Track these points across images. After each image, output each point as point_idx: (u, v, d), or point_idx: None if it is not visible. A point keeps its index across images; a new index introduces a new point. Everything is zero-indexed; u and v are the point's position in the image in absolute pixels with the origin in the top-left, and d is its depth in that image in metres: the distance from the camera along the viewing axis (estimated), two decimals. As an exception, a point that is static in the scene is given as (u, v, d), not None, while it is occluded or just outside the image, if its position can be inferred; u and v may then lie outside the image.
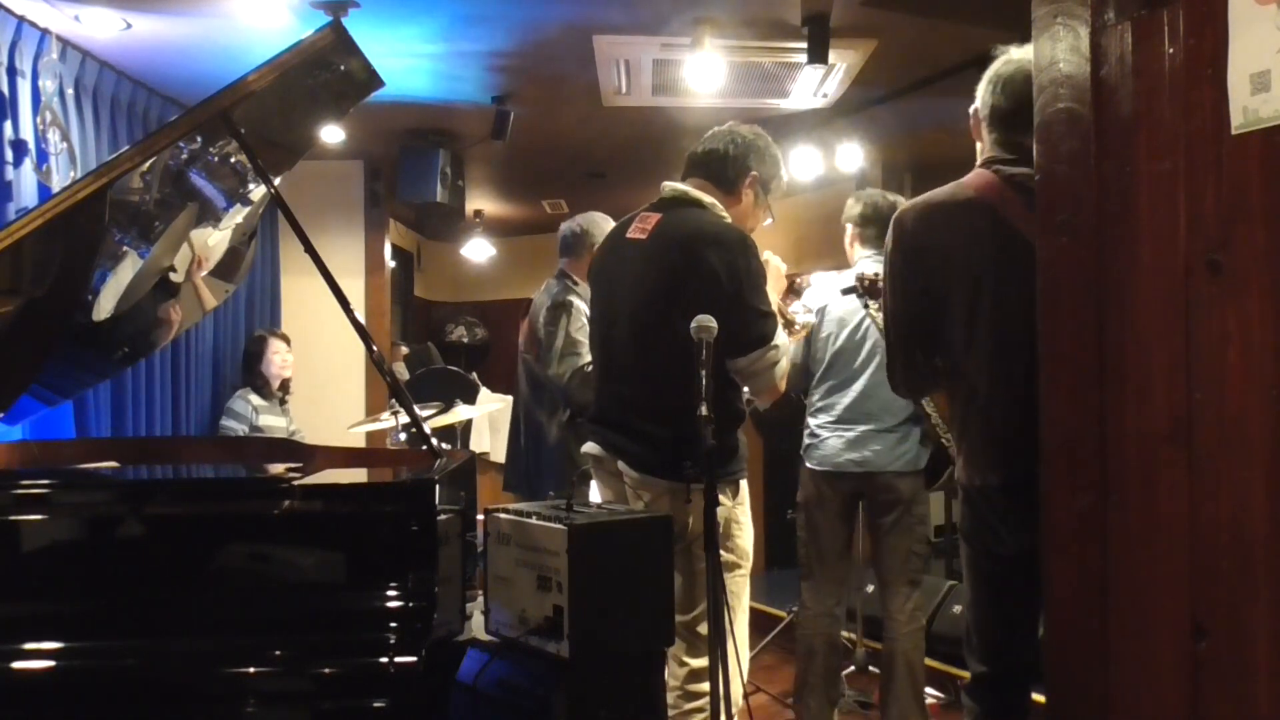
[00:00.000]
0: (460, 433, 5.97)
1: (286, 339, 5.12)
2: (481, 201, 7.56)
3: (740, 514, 2.68)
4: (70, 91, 3.86)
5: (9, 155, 3.53)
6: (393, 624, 1.92)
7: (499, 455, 5.65)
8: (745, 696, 2.66)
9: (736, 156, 2.72)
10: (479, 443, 6.66)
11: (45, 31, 3.71)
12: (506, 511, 2.28)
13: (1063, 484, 1.78)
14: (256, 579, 1.97)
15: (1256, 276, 1.50)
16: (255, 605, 1.94)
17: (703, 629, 2.52)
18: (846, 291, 3.04)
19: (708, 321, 2.25)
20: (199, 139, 2.53)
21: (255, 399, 4.93)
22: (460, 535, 2.14)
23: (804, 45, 4.01)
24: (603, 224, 3.89)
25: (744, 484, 2.70)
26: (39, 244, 2.22)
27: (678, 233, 2.61)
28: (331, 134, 5.15)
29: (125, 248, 2.69)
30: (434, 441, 2.38)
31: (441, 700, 2.08)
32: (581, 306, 3.66)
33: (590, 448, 2.75)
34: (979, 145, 2.27)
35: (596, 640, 2.09)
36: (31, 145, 3.60)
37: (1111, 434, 1.69)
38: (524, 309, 4.04)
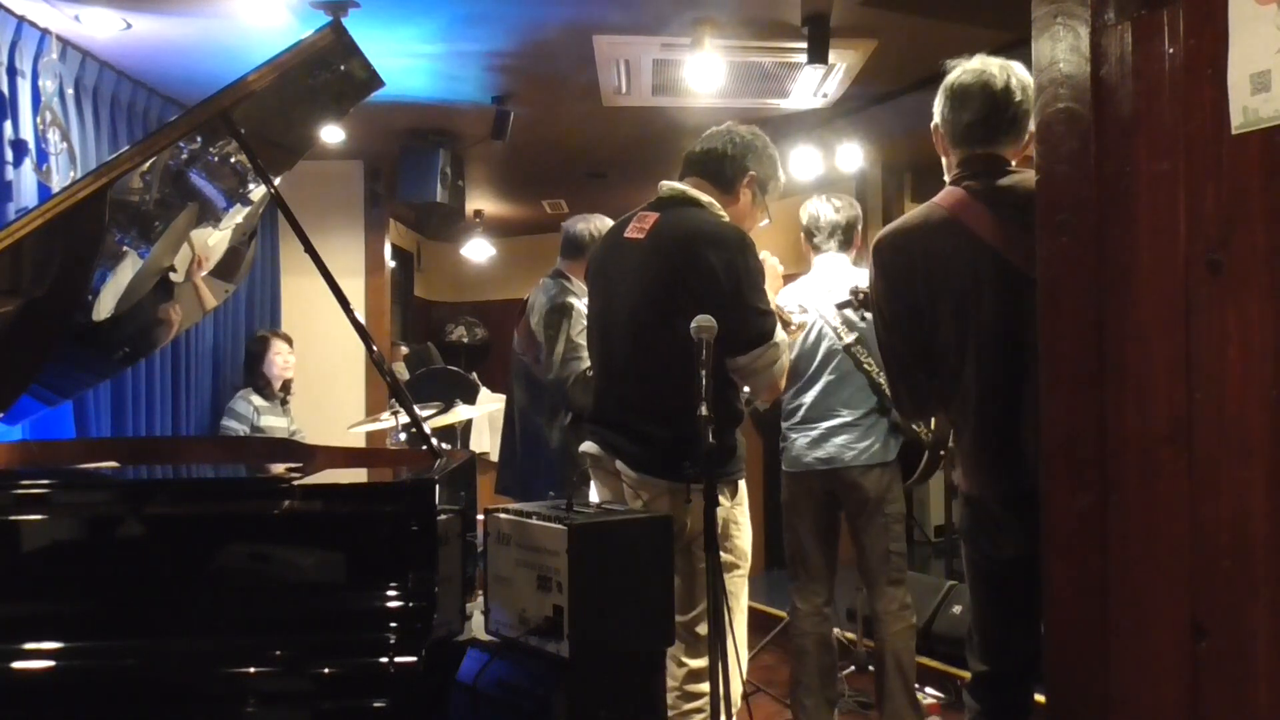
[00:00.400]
0: (460, 433, 5.97)
1: (288, 339, 5.12)
2: (481, 201, 7.56)
3: (739, 514, 2.68)
4: (70, 91, 3.86)
5: (9, 155, 3.53)
6: (393, 624, 1.92)
7: (499, 455, 5.64)
8: (745, 696, 2.66)
9: (734, 156, 2.72)
10: (479, 443, 6.66)
11: (45, 31, 3.72)
12: (506, 511, 2.28)
13: (1063, 484, 1.78)
14: (257, 579, 1.97)
15: (1256, 276, 1.50)
16: (255, 605, 1.94)
17: (702, 629, 2.52)
18: (842, 306, 3.06)
19: (707, 321, 2.25)
20: (199, 139, 2.53)
21: (257, 399, 4.93)
22: (460, 535, 2.14)
23: (804, 45, 4.01)
24: (600, 224, 3.88)
25: (743, 484, 2.70)
26: (39, 244, 2.22)
27: (676, 232, 2.61)
28: (331, 134, 5.15)
29: (125, 248, 2.69)
30: (434, 441, 2.38)
31: (441, 700, 2.08)
32: (581, 309, 3.64)
33: (588, 447, 2.74)
34: (945, 161, 2.29)
35: (596, 640, 2.09)
36: (31, 145, 3.60)
37: (1111, 434, 1.69)
38: (523, 309, 4.03)
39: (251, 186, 2.85)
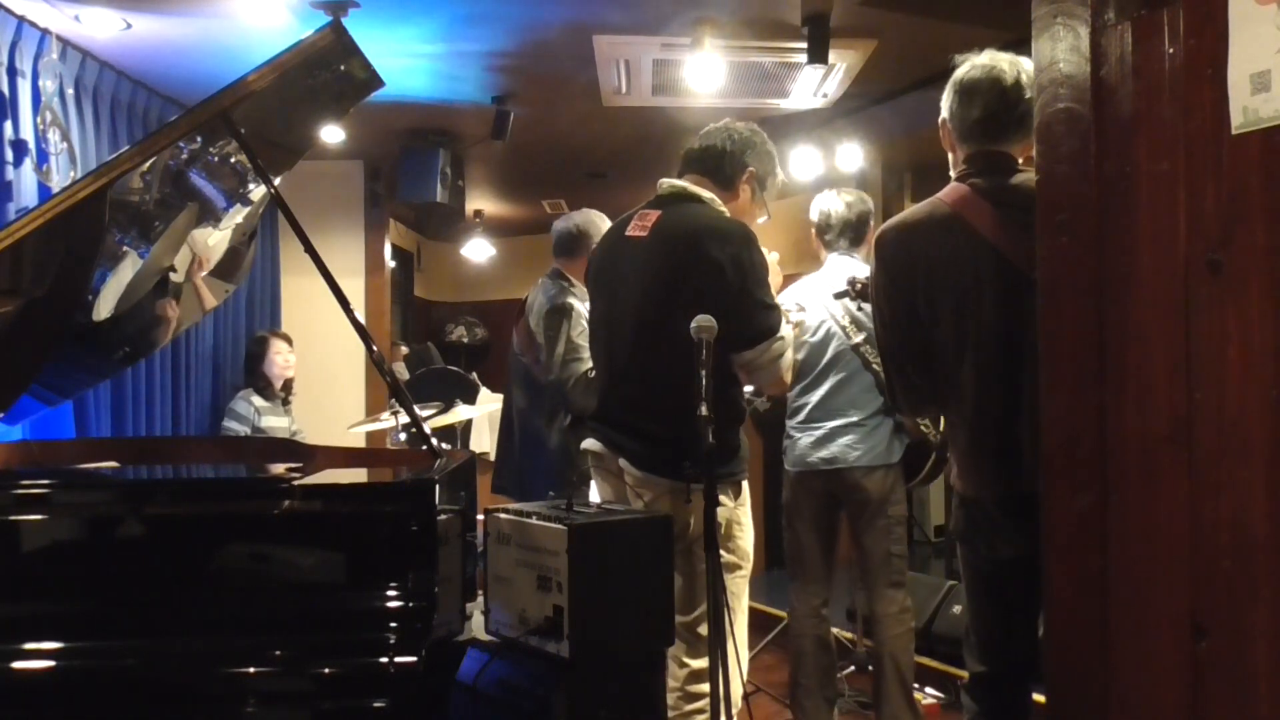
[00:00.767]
0: (460, 433, 5.97)
1: (288, 339, 5.12)
2: (481, 201, 7.56)
3: (742, 515, 2.67)
4: (70, 91, 3.86)
5: (9, 155, 3.53)
6: (393, 624, 1.91)
7: (495, 455, 5.65)
8: (745, 697, 2.66)
9: (734, 153, 2.72)
10: (479, 443, 6.66)
11: (45, 31, 3.72)
12: (506, 511, 2.28)
13: (1063, 484, 1.78)
14: (256, 579, 1.97)
15: (1256, 276, 1.50)
16: (255, 605, 1.94)
17: (703, 630, 2.52)
18: (839, 296, 3.05)
19: (707, 321, 2.25)
20: (199, 139, 2.53)
21: (258, 400, 4.93)
22: (460, 535, 2.14)
23: (804, 45, 4.01)
24: (600, 223, 3.87)
25: (745, 485, 2.70)
26: (39, 244, 2.22)
27: (680, 228, 2.60)
28: (331, 134, 5.15)
29: (125, 248, 2.69)
30: (434, 441, 2.38)
31: (441, 700, 2.08)
32: (581, 309, 3.63)
33: (591, 444, 2.73)
34: (951, 157, 2.27)
35: (596, 640, 2.09)
36: (31, 145, 3.60)
37: (1111, 434, 1.69)
38: (523, 309, 4.02)
39: (251, 186, 2.85)
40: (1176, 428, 1.60)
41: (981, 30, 3.69)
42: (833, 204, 3.57)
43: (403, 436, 4.38)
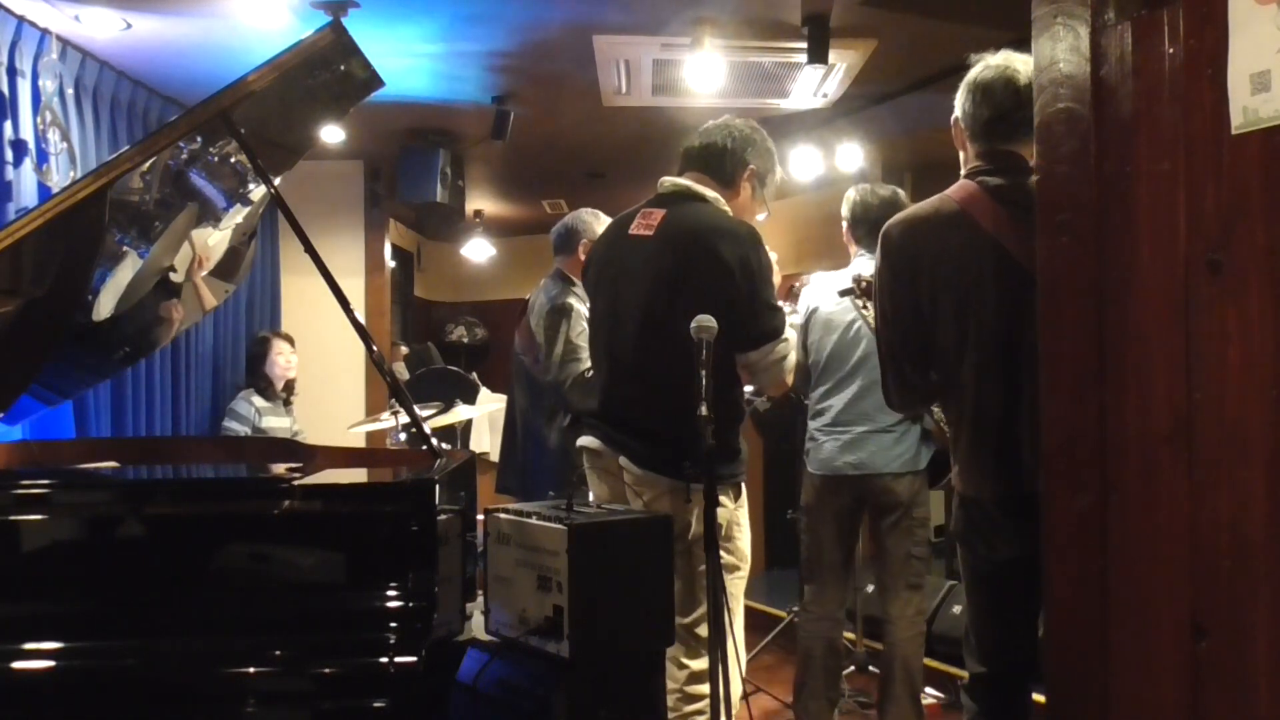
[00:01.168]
0: (460, 433, 5.97)
1: (290, 340, 5.12)
2: (481, 201, 7.55)
3: (741, 516, 2.68)
4: (70, 91, 3.86)
5: (9, 155, 3.53)
6: (393, 624, 1.91)
7: (499, 455, 5.65)
8: (744, 697, 2.66)
9: (734, 150, 2.72)
10: (479, 443, 6.66)
11: (45, 31, 3.71)
12: (506, 511, 2.28)
13: (1063, 484, 1.78)
14: (256, 579, 1.97)
15: (1256, 276, 1.50)
16: (255, 605, 1.94)
17: (701, 630, 2.52)
18: (844, 293, 3.04)
19: (708, 321, 2.25)
20: (199, 139, 2.53)
21: (258, 400, 4.93)
22: (460, 535, 2.14)
23: (804, 45, 4.01)
24: (589, 219, 3.89)
25: (744, 487, 2.70)
26: (39, 244, 2.22)
27: (687, 227, 2.60)
28: (331, 134, 5.14)
29: (125, 248, 2.69)
30: (434, 441, 2.37)
31: (441, 700, 2.08)
32: (581, 310, 3.63)
33: (588, 442, 2.72)
34: (962, 155, 2.27)
35: (596, 640, 2.09)
36: (31, 145, 3.60)
37: (1111, 434, 1.69)
38: (524, 309, 4.03)
39: (251, 186, 2.85)
40: (1176, 428, 1.60)
41: (981, 30, 3.70)
42: (867, 198, 3.48)
43: (403, 436, 4.38)
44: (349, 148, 5.69)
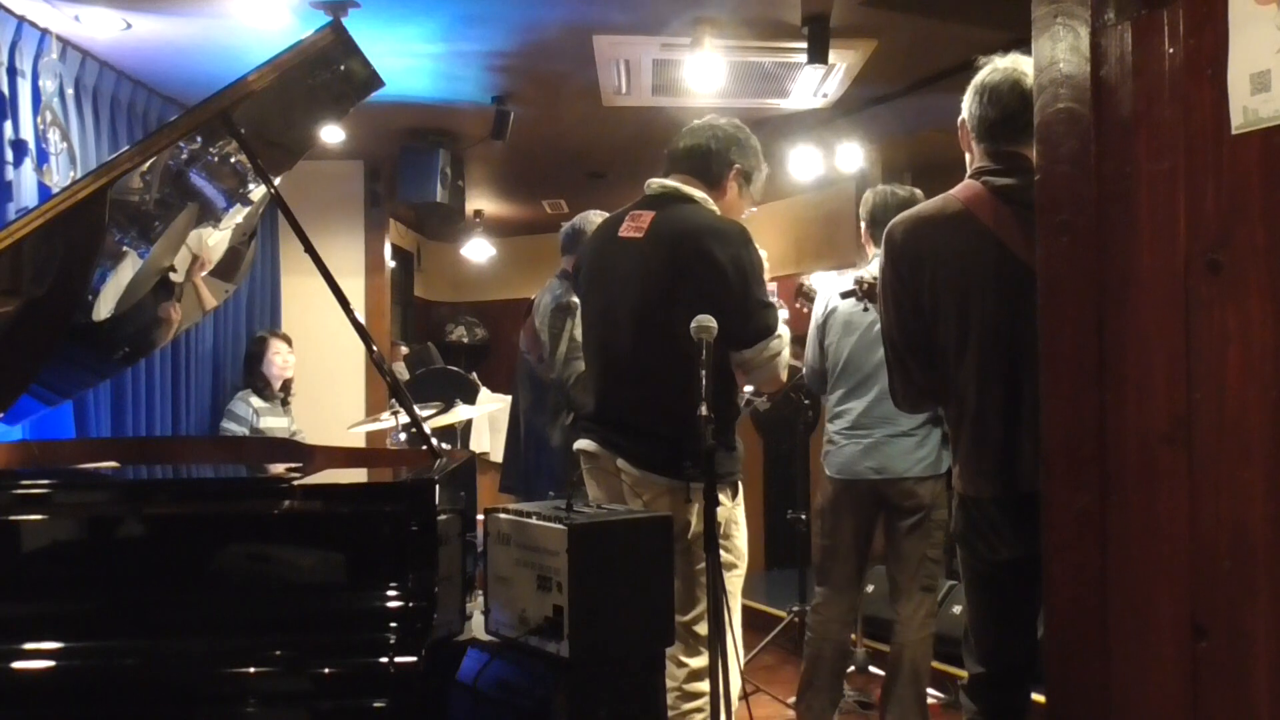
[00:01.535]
0: (460, 433, 5.97)
1: (288, 339, 5.12)
2: (481, 201, 7.56)
3: (738, 514, 2.69)
4: (70, 91, 3.86)
5: (9, 155, 3.53)
6: (393, 624, 1.92)
7: (499, 455, 5.65)
8: (744, 696, 2.66)
9: (719, 151, 2.73)
10: (479, 443, 6.66)
11: (45, 31, 3.71)
12: (506, 511, 2.28)
13: (1063, 484, 1.78)
14: (256, 579, 1.97)
15: (1256, 276, 1.50)
16: (255, 605, 1.94)
17: (701, 629, 2.53)
18: (846, 295, 3.03)
19: (708, 321, 2.26)
20: (199, 139, 2.53)
21: (256, 400, 4.93)
22: (460, 535, 2.14)
23: (804, 45, 4.01)
24: (596, 219, 3.90)
25: (740, 485, 2.71)
26: (39, 244, 2.22)
27: (678, 228, 2.61)
28: (331, 134, 5.15)
29: (125, 248, 2.69)
30: (434, 441, 2.38)
31: (441, 700, 2.08)
32: None
33: (586, 445, 2.74)
34: (968, 156, 2.28)
35: (596, 640, 2.09)
36: (31, 145, 3.60)
37: (1111, 434, 1.69)
38: (524, 309, 4.04)
39: (251, 186, 2.85)
40: (1176, 428, 1.60)
41: (981, 30, 3.70)
42: (886, 199, 3.43)
43: (403, 436, 4.38)
44: (349, 148, 5.69)
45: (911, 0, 3.79)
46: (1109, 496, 1.70)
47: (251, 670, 1.88)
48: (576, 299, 3.74)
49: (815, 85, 4.58)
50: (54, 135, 3.69)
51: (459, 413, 4.70)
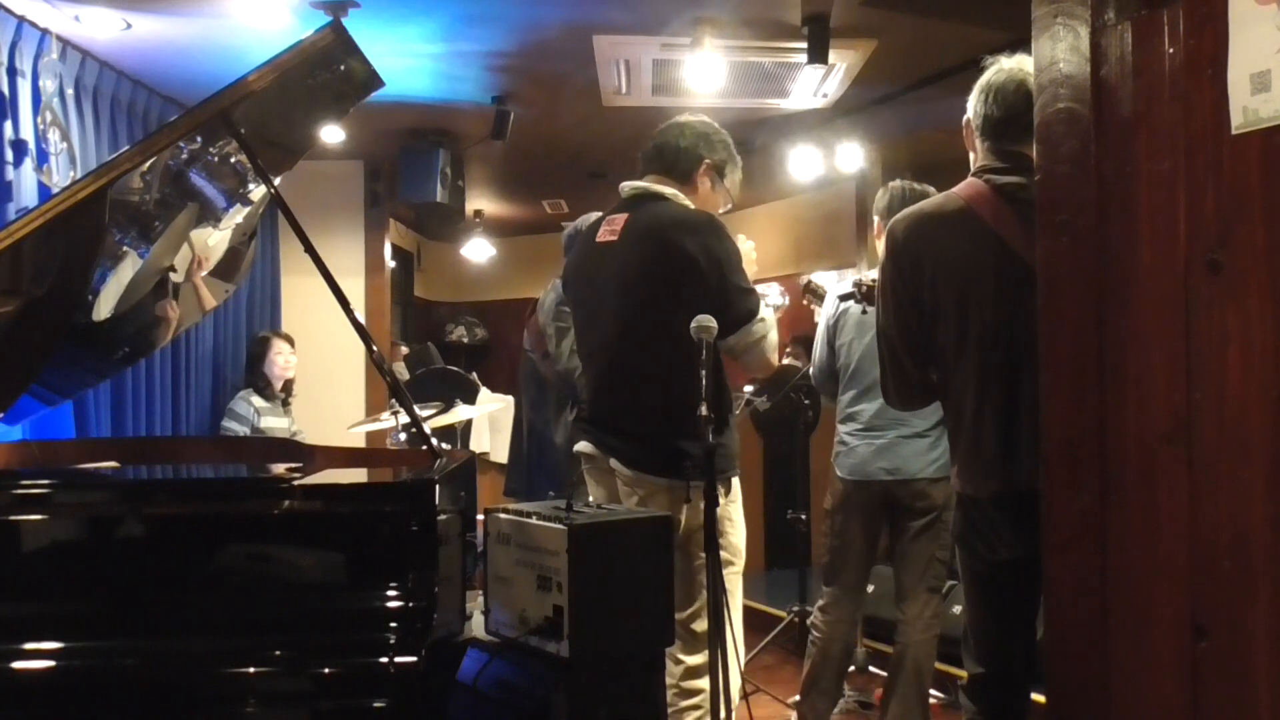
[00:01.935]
0: (460, 433, 5.97)
1: (290, 340, 5.12)
2: (481, 201, 7.56)
3: (733, 511, 2.69)
4: (70, 91, 3.86)
5: (9, 155, 3.53)
6: (393, 624, 1.92)
7: (499, 455, 5.66)
8: (744, 695, 2.66)
9: (687, 148, 2.75)
10: (479, 443, 6.66)
11: (45, 31, 3.71)
12: (506, 511, 2.28)
13: (1063, 484, 1.78)
14: (256, 579, 1.97)
15: (1256, 276, 1.50)
16: (255, 605, 1.94)
17: (698, 626, 2.53)
18: (844, 298, 3.02)
19: (708, 322, 2.26)
20: (199, 139, 2.53)
21: (257, 400, 4.93)
22: (460, 535, 2.14)
23: (804, 45, 4.01)
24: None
25: (735, 481, 2.71)
26: (39, 244, 2.22)
27: (648, 226, 2.64)
28: (331, 134, 5.15)
29: (125, 248, 2.69)
30: (434, 441, 2.38)
31: (441, 700, 2.08)
32: None
33: (583, 446, 2.77)
34: (972, 155, 2.28)
35: (596, 640, 2.09)
36: (31, 145, 3.60)
37: (1111, 434, 1.69)
38: (524, 309, 4.06)
39: (251, 186, 2.85)
40: (1176, 428, 1.60)
41: (981, 30, 3.70)
42: (905, 194, 3.33)
43: (403, 436, 4.38)
44: (349, 148, 5.69)
45: (912, 0, 3.79)
46: (1109, 496, 1.70)
47: (251, 670, 1.87)
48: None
49: (815, 85, 4.58)
50: (54, 135, 3.69)
51: (459, 413, 4.70)
